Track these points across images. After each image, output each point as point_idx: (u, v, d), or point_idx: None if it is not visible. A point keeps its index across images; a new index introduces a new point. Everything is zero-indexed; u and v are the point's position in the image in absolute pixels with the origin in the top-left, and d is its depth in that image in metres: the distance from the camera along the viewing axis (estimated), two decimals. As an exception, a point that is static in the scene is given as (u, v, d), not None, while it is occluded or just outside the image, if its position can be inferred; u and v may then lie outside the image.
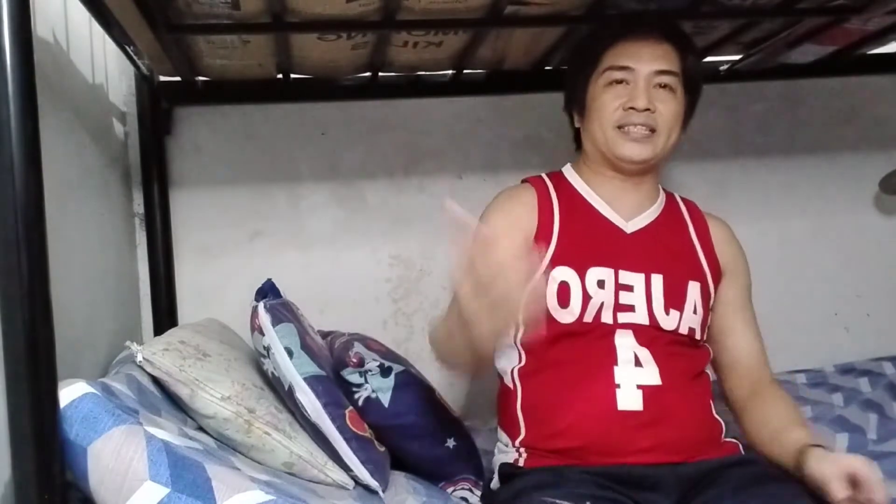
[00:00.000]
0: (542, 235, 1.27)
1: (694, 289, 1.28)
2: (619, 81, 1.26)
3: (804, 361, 1.86)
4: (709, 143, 1.96)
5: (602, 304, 1.22)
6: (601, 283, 1.23)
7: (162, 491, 0.91)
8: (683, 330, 1.25)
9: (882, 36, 1.64)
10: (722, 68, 1.82)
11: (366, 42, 1.42)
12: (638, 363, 1.21)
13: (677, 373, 1.22)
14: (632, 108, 1.24)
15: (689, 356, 1.26)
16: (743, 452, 1.25)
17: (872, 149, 2.02)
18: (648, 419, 1.18)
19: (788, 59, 1.71)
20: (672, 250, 1.30)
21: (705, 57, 1.69)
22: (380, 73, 1.64)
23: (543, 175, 1.38)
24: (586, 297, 1.22)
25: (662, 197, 1.37)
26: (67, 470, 0.92)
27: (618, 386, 1.19)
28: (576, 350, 1.22)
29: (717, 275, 1.32)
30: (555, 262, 1.24)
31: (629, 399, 1.18)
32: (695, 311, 1.26)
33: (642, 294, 1.24)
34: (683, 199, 1.40)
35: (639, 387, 1.19)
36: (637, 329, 1.23)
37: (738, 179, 1.96)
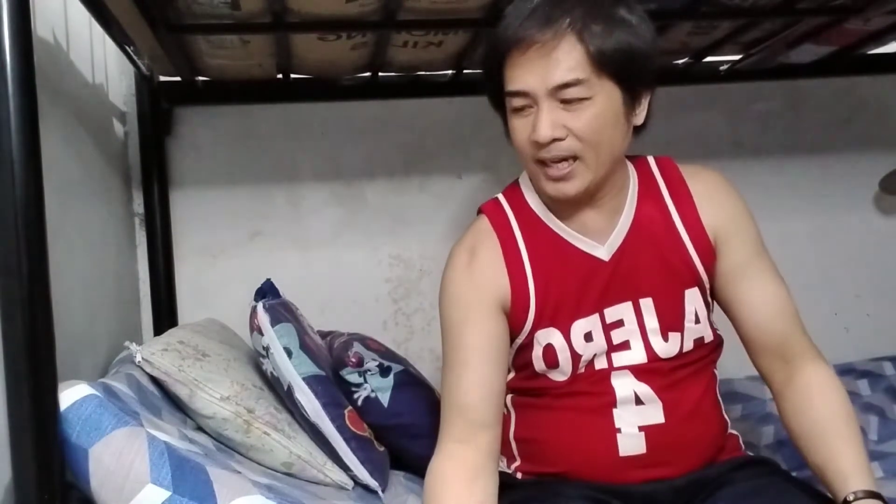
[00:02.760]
0: (519, 301, 1.11)
1: (692, 297, 1.13)
2: (522, 108, 1.05)
3: (804, 361, 1.86)
4: (709, 143, 1.96)
5: (594, 355, 1.12)
6: (588, 336, 1.11)
7: (163, 494, 0.92)
8: (688, 347, 1.13)
9: (882, 36, 1.64)
10: (722, 68, 1.82)
11: (366, 42, 1.42)
12: (639, 401, 1.10)
13: (683, 401, 1.12)
14: (536, 141, 1.03)
15: (695, 373, 1.15)
16: (744, 448, 1.22)
17: (872, 149, 2.02)
18: (652, 461, 1.10)
19: (788, 59, 1.71)
20: (659, 259, 1.13)
21: (705, 57, 1.69)
22: (380, 73, 1.64)
23: (501, 199, 1.18)
24: (575, 356, 1.11)
25: (633, 183, 1.16)
26: (68, 471, 0.92)
27: (618, 430, 1.10)
28: (571, 393, 1.13)
29: (710, 259, 1.14)
30: (536, 325, 1.11)
31: (631, 443, 1.09)
32: (697, 321, 1.13)
33: (634, 326, 1.12)
34: (658, 161, 1.20)
35: (641, 428, 1.09)
36: (634, 368, 1.11)
37: (738, 179, 1.94)
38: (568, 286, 1.12)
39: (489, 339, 1.11)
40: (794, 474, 1.21)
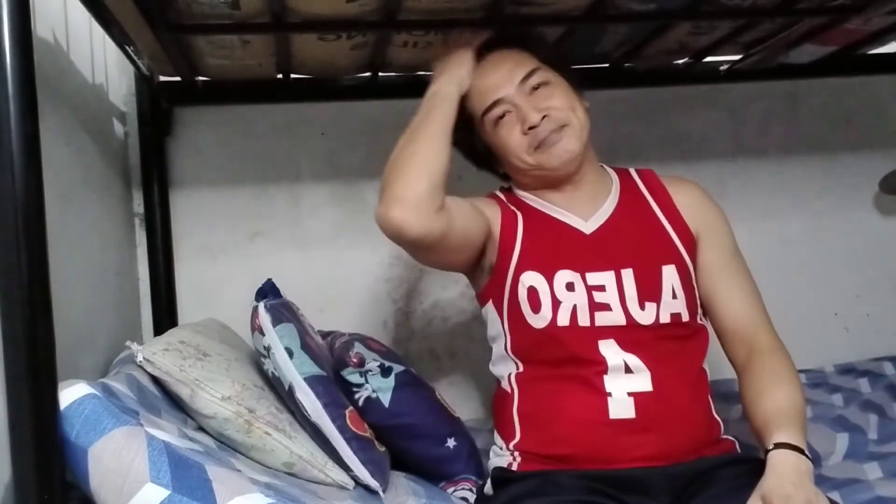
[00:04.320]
0: (507, 236, 1.26)
1: (669, 273, 1.23)
2: (501, 115, 1.26)
3: (804, 361, 1.85)
4: (709, 143, 1.96)
5: (575, 305, 1.20)
6: (570, 286, 1.21)
7: (162, 493, 0.91)
8: (664, 319, 1.21)
9: (882, 36, 1.64)
10: (722, 68, 1.82)
11: (365, 42, 1.42)
12: (628, 370, 1.18)
13: (670, 376, 1.19)
14: (531, 127, 1.23)
15: (681, 353, 1.22)
16: (739, 450, 1.24)
17: (872, 149, 2.02)
18: (641, 426, 1.16)
19: (788, 59, 1.71)
20: (639, 238, 1.26)
21: (705, 57, 1.69)
22: (380, 73, 1.64)
23: (499, 192, 1.37)
24: (556, 301, 1.20)
25: (616, 182, 1.33)
26: (68, 471, 0.92)
27: (609, 394, 1.17)
28: (566, 358, 1.20)
29: (692, 245, 1.27)
30: (521, 266, 1.24)
31: (621, 407, 1.16)
32: (674, 296, 1.22)
33: (615, 291, 1.21)
34: (639, 172, 1.35)
35: (630, 394, 1.17)
36: (618, 334, 1.19)
37: (738, 179, 1.96)
38: (553, 243, 1.26)
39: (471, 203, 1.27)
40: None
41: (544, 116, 1.22)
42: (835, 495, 1.22)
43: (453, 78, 1.26)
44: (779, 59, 1.72)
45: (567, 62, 1.32)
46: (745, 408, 1.20)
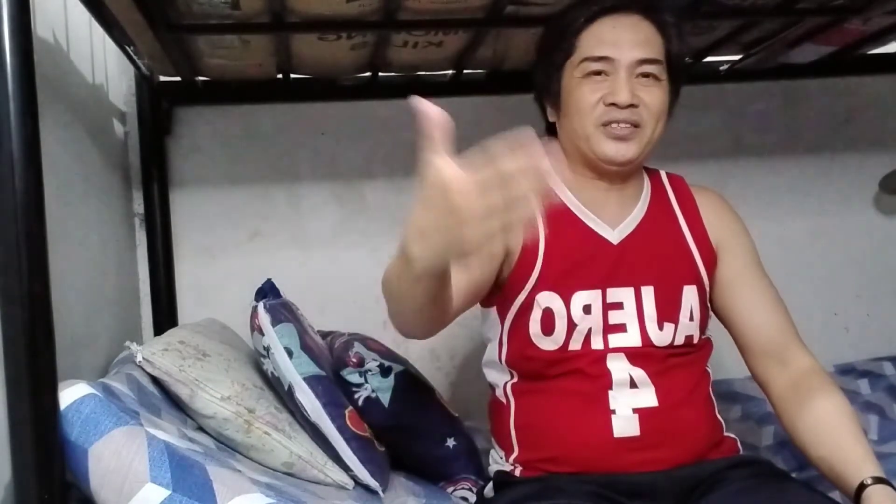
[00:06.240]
0: (529, 252, 1.17)
1: (690, 293, 1.19)
2: (598, 73, 1.14)
3: (804, 361, 1.86)
4: (709, 143, 1.96)
5: (590, 329, 1.15)
6: (587, 309, 1.15)
7: (163, 493, 0.91)
8: (679, 341, 1.18)
9: (882, 36, 1.64)
10: (722, 68, 1.82)
11: (366, 42, 1.42)
12: (633, 385, 1.14)
13: (675, 388, 1.16)
14: (613, 104, 1.13)
15: (687, 364, 1.19)
16: (742, 450, 1.23)
17: (872, 149, 2.02)
18: (646, 443, 1.13)
19: (788, 59, 1.71)
20: (664, 252, 1.21)
21: (705, 57, 1.69)
22: (380, 73, 1.64)
23: None
24: (571, 325, 1.15)
25: (647, 187, 1.26)
26: (68, 471, 0.92)
27: (613, 412, 1.13)
28: (568, 373, 1.16)
29: (713, 264, 1.23)
30: (540, 285, 1.16)
31: (625, 425, 1.12)
32: (691, 318, 1.18)
33: (633, 310, 1.16)
34: (669, 176, 1.29)
35: (635, 411, 1.13)
36: (629, 352, 1.15)
37: (738, 179, 1.96)
38: (574, 258, 1.18)
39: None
40: (794, 475, 1.22)
41: (632, 105, 1.13)
42: (836, 496, 1.22)
43: (437, 242, 0.72)
44: (779, 59, 1.72)
45: (682, 80, 1.21)
46: (797, 429, 1.15)
